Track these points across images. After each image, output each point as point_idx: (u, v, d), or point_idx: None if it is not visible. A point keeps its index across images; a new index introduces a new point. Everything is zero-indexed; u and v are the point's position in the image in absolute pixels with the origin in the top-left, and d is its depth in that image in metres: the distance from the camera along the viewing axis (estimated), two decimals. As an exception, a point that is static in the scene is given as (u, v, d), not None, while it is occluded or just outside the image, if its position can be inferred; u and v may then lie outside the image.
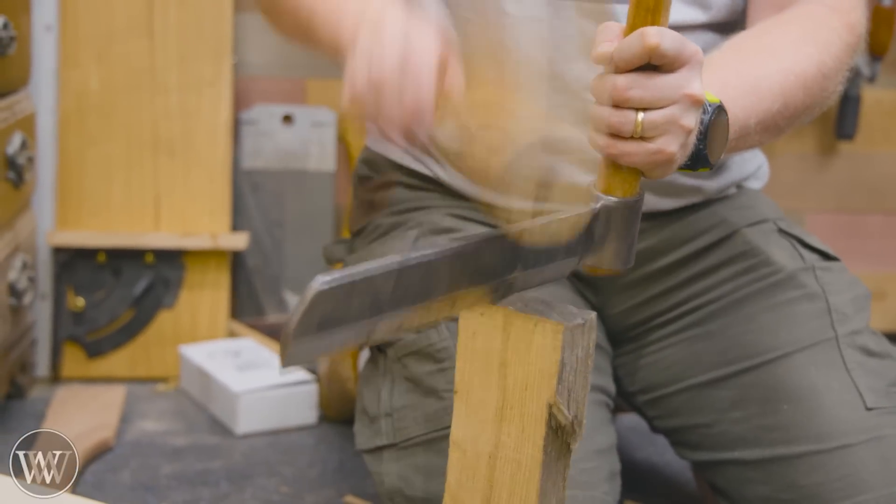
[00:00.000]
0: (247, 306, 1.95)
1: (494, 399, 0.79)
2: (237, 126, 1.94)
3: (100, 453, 1.49)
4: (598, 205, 0.84)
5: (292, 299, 1.98)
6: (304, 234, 1.99)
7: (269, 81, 1.98)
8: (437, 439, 1.05)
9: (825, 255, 1.16)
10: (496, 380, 0.78)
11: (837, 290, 1.12)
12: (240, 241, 1.82)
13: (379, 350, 1.16)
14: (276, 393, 1.63)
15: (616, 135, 0.83)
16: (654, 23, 0.81)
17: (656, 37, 0.80)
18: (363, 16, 0.92)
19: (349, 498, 1.38)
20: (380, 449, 1.10)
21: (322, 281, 0.67)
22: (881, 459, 1.01)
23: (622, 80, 0.82)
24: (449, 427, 1.03)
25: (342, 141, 2.01)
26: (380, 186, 1.26)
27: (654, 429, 1.21)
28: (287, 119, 1.97)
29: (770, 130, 1.00)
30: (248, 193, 1.96)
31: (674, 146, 0.84)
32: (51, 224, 1.79)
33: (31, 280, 1.64)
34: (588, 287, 1.20)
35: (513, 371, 0.78)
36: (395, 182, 1.24)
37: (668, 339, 1.17)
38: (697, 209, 1.19)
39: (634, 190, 0.86)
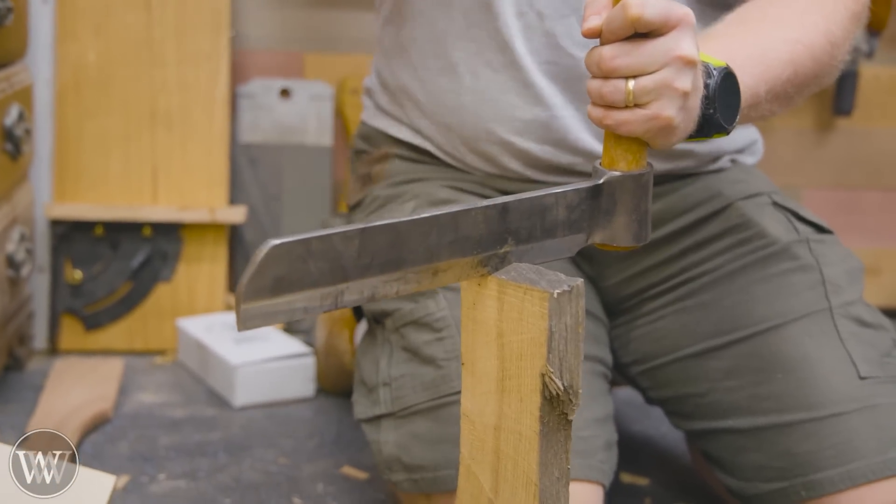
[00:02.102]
0: (244, 280, 1.95)
1: (495, 370, 0.78)
2: (235, 100, 1.94)
3: (98, 425, 1.50)
4: (602, 179, 0.84)
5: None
6: (301, 208, 1.99)
7: (267, 55, 1.98)
8: (435, 407, 1.05)
9: (819, 228, 1.16)
10: (495, 350, 0.78)
11: (831, 262, 1.13)
12: (238, 214, 1.82)
13: (376, 321, 1.17)
14: (273, 366, 1.63)
15: (610, 105, 0.83)
16: None
17: (638, 7, 0.80)
18: None
19: (347, 469, 1.39)
20: (378, 418, 1.11)
21: (274, 241, 0.66)
22: (874, 428, 1.02)
23: (608, 51, 0.82)
24: (447, 395, 1.05)
25: (340, 115, 2.01)
26: (376, 160, 1.27)
27: (649, 400, 1.22)
28: (285, 93, 1.97)
29: (781, 99, 1.00)
30: (245, 167, 1.96)
31: (670, 110, 0.84)
32: (48, 196, 1.79)
33: (29, 252, 1.65)
34: (584, 258, 1.21)
35: (509, 341, 0.77)
36: (391, 155, 1.25)
37: (662, 310, 1.18)
38: (692, 182, 1.19)
39: (640, 162, 0.86)
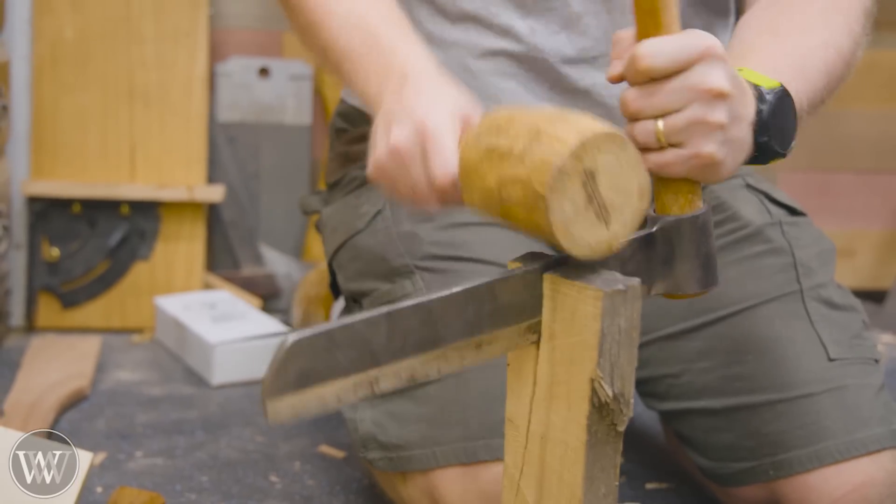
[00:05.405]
0: (222, 259, 1.96)
1: (545, 374, 0.73)
2: (213, 78, 1.94)
3: (75, 402, 1.50)
4: (654, 227, 0.80)
5: (268, 252, 1.98)
6: (279, 187, 1.99)
7: (246, 33, 1.98)
8: (411, 387, 1.06)
9: (792, 210, 1.18)
10: (546, 353, 0.73)
11: (803, 245, 1.14)
12: (216, 193, 1.82)
13: (354, 300, 1.18)
14: (250, 344, 1.64)
15: (645, 147, 0.81)
16: (656, 27, 0.78)
17: (647, 58, 0.78)
18: (388, 74, 0.90)
19: (324, 448, 1.40)
20: (354, 397, 1.11)
21: (294, 336, 0.64)
22: (842, 408, 1.04)
23: (630, 93, 0.80)
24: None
25: (318, 94, 2.01)
26: (355, 139, 1.27)
27: (624, 380, 1.23)
28: (263, 72, 1.96)
29: (816, 108, 0.98)
30: (224, 146, 1.96)
31: (709, 146, 0.80)
32: (25, 173, 1.78)
33: (6, 229, 1.64)
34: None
35: (560, 344, 0.72)
36: (370, 135, 1.25)
37: (637, 291, 1.19)
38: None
39: (694, 203, 0.81)
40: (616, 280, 0.71)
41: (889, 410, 1.06)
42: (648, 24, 0.79)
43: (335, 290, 1.29)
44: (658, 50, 0.78)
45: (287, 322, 1.76)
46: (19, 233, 1.78)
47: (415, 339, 0.68)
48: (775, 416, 1.05)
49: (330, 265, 1.23)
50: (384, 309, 0.67)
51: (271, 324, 1.68)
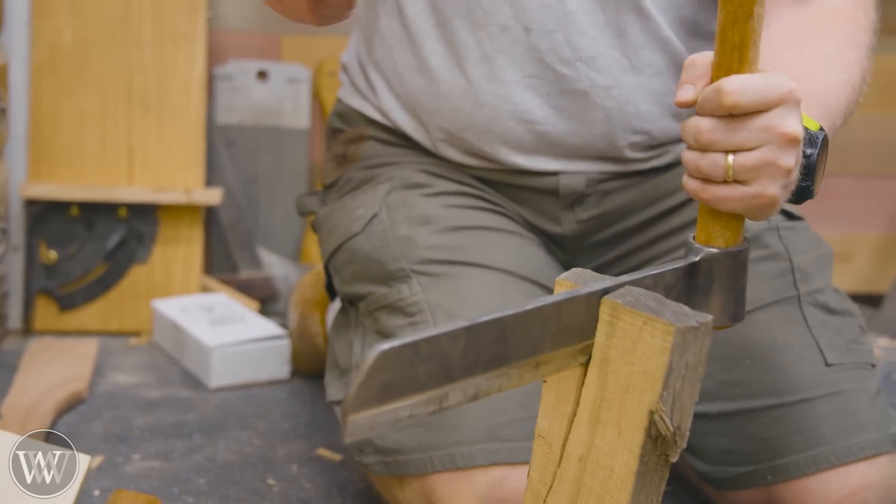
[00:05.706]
0: (220, 262, 1.96)
1: (592, 397, 0.72)
2: (211, 81, 1.94)
3: (73, 405, 1.50)
4: (699, 257, 0.80)
5: (266, 255, 1.98)
6: (278, 190, 1.99)
7: (244, 37, 1.98)
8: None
9: (789, 215, 1.18)
10: (595, 377, 0.72)
11: (801, 250, 1.14)
12: (214, 196, 1.82)
13: (350, 303, 1.18)
14: (248, 347, 1.64)
15: (708, 179, 0.80)
16: (741, 62, 0.78)
17: (734, 95, 0.77)
18: None
19: (321, 451, 1.40)
20: (351, 401, 1.11)
21: (382, 346, 0.63)
22: (839, 413, 1.04)
23: (706, 123, 0.79)
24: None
25: (317, 98, 2.01)
26: (352, 140, 1.27)
27: (621, 384, 1.23)
28: (262, 75, 1.97)
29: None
30: (222, 149, 1.96)
31: (774, 188, 0.80)
32: (23, 176, 1.78)
33: (4, 232, 1.64)
34: (557, 245, 1.22)
35: (614, 369, 0.71)
36: (367, 136, 1.25)
37: (635, 296, 1.19)
38: (667, 170, 1.20)
39: (738, 238, 0.82)
40: (687, 315, 0.70)
41: (885, 415, 1.06)
42: (733, 58, 0.78)
43: (331, 291, 1.29)
44: (745, 88, 0.78)
45: (284, 325, 1.76)
46: (17, 235, 1.78)
47: (487, 356, 0.68)
48: (773, 421, 1.05)
49: (326, 267, 1.23)
50: (464, 322, 0.67)
51: (269, 327, 1.69)
